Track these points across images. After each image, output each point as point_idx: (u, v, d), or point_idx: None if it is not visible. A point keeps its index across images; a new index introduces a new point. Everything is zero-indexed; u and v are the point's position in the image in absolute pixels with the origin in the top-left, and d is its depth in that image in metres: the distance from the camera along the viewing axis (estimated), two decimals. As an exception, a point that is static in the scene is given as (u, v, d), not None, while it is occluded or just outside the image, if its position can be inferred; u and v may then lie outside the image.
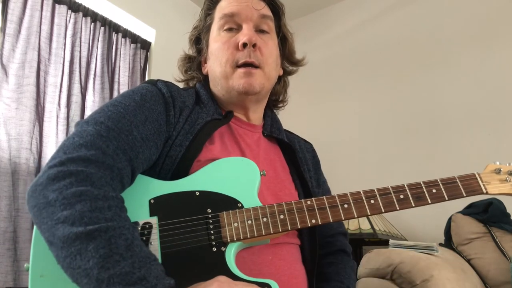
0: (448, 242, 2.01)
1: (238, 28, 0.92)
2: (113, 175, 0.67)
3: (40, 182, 0.63)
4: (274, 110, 1.11)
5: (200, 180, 0.75)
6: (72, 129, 2.26)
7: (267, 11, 0.95)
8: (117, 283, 0.55)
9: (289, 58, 1.06)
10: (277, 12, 1.00)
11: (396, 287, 1.41)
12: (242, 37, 0.89)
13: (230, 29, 0.93)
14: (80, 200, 0.60)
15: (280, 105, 1.10)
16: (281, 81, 1.07)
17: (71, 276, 0.58)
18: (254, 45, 0.89)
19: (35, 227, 0.68)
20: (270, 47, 0.94)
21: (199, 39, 1.02)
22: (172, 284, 0.58)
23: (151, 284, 0.56)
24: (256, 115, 1.00)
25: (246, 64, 0.89)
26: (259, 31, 0.93)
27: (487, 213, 1.91)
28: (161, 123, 0.80)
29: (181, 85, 1.05)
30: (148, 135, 0.76)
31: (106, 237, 0.58)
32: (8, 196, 1.93)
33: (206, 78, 1.01)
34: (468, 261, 1.87)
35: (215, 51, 0.93)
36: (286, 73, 1.08)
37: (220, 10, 0.95)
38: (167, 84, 0.87)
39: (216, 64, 0.93)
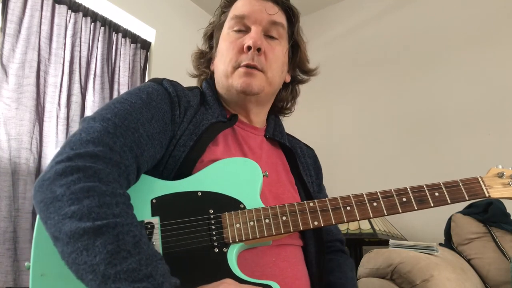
0: (448, 242, 2.01)
1: (247, 30, 0.93)
2: (120, 171, 0.67)
3: (48, 177, 0.63)
4: (280, 116, 1.10)
5: (202, 181, 0.75)
6: (72, 129, 2.27)
7: (279, 18, 0.94)
8: (123, 280, 0.54)
9: (300, 67, 1.05)
10: (291, 19, 0.99)
11: (396, 287, 1.41)
12: (248, 40, 0.89)
13: (239, 30, 0.93)
14: (88, 196, 0.59)
15: (287, 111, 1.10)
16: (288, 88, 1.06)
17: (76, 272, 0.58)
18: (259, 49, 0.89)
19: (36, 226, 0.68)
20: (276, 52, 0.93)
21: (212, 35, 1.03)
22: (178, 284, 0.58)
23: (158, 282, 0.55)
24: (259, 118, 0.99)
25: (248, 66, 0.89)
26: (268, 36, 0.93)
27: (487, 213, 1.91)
28: (166, 122, 0.80)
29: (194, 81, 1.06)
30: (154, 133, 0.76)
31: (114, 233, 0.57)
32: (8, 196, 1.92)
33: (213, 75, 1.01)
34: (468, 261, 1.87)
35: (222, 49, 0.94)
36: (296, 81, 1.07)
37: (234, 10, 0.95)
38: (173, 83, 0.88)
39: (221, 62, 0.94)
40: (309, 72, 1.07)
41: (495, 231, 1.89)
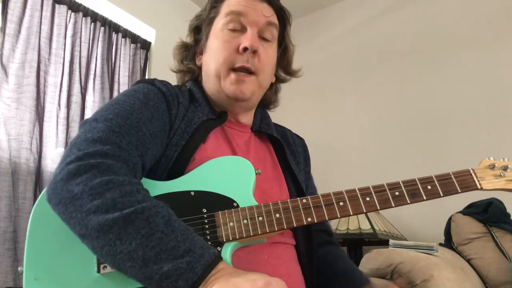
0: (448, 242, 2.00)
1: (242, 30, 0.91)
2: (128, 169, 0.68)
3: (60, 178, 0.63)
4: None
5: (195, 180, 0.75)
6: (72, 129, 2.27)
7: (274, 19, 0.95)
8: (164, 259, 0.55)
9: (285, 68, 1.05)
10: (283, 21, 0.99)
11: (396, 287, 1.41)
12: (245, 41, 0.88)
13: (234, 30, 0.91)
14: (108, 189, 0.60)
15: (271, 106, 1.10)
16: (273, 88, 1.06)
17: (112, 263, 0.59)
18: (254, 51, 0.88)
19: (28, 230, 0.68)
20: (269, 55, 0.93)
21: (199, 29, 1.01)
22: (217, 253, 0.59)
23: (198, 254, 0.57)
24: (246, 117, 0.99)
25: (241, 69, 0.88)
26: (262, 38, 0.93)
27: (487, 213, 1.91)
28: (165, 121, 0.81)
29: (178, 75, 1.05)
30: (155, 132, 0.77)
31: (143, 217, 0.58)
32: (8, 196, 1.93)
33: (199, 70, 1.00)
34: (468, 261, 1.86)
35: (214, 47, 0.92)
36: (279, 80, 1.07)
37: (228, 6, 0.93)
38: (164, 82, 0.88)
39: (212, 61, 0.92)
40: (293, 74, 1.07)
41: (495, 231, 1.88)
